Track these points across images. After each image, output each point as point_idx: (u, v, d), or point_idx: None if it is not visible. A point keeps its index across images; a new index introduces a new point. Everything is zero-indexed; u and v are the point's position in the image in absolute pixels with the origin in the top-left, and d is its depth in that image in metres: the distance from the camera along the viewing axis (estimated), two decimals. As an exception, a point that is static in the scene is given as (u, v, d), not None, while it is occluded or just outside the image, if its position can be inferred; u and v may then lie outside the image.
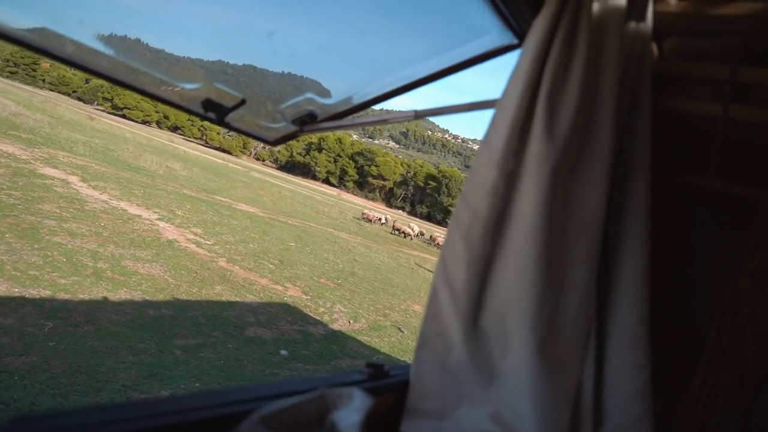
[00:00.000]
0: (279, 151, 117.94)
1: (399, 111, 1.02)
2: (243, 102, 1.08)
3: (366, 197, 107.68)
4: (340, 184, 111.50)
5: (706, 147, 1.16)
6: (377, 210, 56.56)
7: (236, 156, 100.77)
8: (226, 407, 0.70)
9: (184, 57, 1.02)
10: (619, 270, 1.04)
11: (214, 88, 1.08)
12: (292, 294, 9.40)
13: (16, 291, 5.54)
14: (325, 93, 1.11)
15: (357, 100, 1.13)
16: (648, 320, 1.04)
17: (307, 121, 1.21)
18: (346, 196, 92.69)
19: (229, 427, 0.68)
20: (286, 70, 1.07)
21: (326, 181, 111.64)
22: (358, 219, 36.35)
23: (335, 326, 8.42)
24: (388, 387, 1.01)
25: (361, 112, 1.17)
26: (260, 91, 1.14)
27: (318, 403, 0.77)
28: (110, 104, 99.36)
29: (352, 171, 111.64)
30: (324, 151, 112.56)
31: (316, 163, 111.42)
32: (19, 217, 8.21)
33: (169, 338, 5.70)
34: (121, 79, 0.97)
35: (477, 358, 0.99)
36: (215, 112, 1.09)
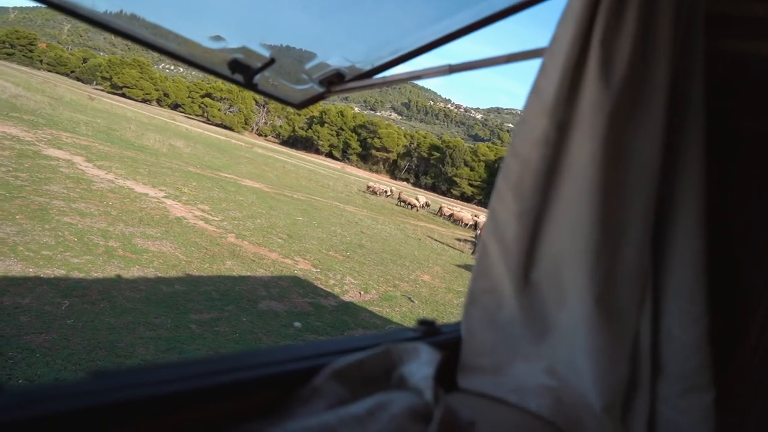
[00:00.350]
0: (281, 126, 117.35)
1: (432, 67, 0.96)
2: (272, 61, 1.03)
3: (370, 170, 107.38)
4: (344, 157, 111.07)
5: (764, 90, 1.11)
6: (382, 182, 56.44)
7: (238, 132, 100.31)
8: (298, 362, 0.70)
9: (208, 15, 0.99)
10: (676, 219, 1.01)
11: (240, 48, 1.04)
12: (302, 267, 9.45)
13: (31, 271, 5.59)
14: (352, 52, 1.07)
15: (387, 57, 1.08)
16: (705, 272, 1.02)
17: (335, 81, 1.16)
18: (350, 169, 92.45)
19: (302, 382, 0.68)
20: (315, 26, 1.03)
21: (329, 155, 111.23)
22: (363, 192, 36.30)
23: (346, 298, 8.48)
24: (441, 344, 0.98)
25: (391, 69, 1.13)
26: (287, 51, 1.10)
27: (384, 357, 0.77)
28: (109, 83, 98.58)
29: (355, 144, 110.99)
30: (326, 124, 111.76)
31: (318, 137, 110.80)
32: (28, 198, 8.23)
33: (184, 313, 5.76)
34: (145, 39, 0.93)
35: (529, 313, 0.97)
36: (243, 73, 1.05)
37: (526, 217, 0.94)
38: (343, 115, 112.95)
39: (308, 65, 1.14)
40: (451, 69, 0.93)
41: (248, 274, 8.09)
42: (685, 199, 1.00)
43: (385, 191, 37.87)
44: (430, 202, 37.13)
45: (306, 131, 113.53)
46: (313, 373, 0.69)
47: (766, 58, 1.11)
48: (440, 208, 36.33)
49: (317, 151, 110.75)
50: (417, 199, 35.07)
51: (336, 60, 1.10)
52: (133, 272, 6.54)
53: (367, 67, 1.14)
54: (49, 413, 0.45)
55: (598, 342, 0.91)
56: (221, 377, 0.60)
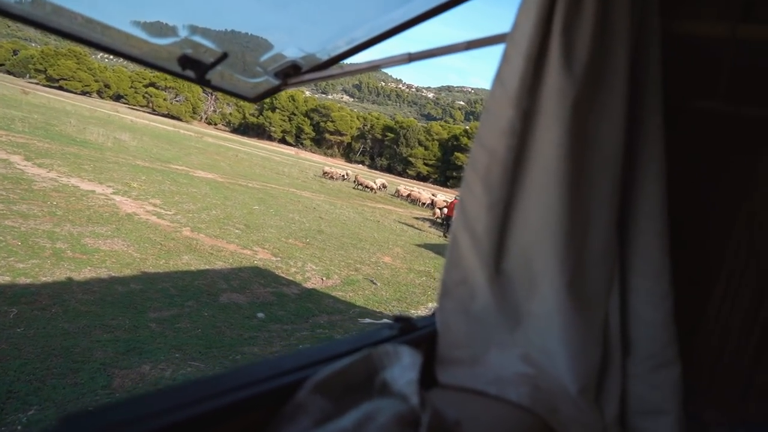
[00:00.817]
0: (231, 114, 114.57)
1: (392, 56, 0.94)
2: (225, 56, 0.97)
3: (324, 154, 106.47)
4: (297, 142, 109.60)
5: (715, 70, 1.14)
6: (338, 166, 56.05)
7: (186, 122, 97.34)
8: (279, 378, 0.69)
9: (153, 7, 0.93)
10: (638, 202, 1.03)
11: (190, 42, 0.99)
12: (261, 257, 9.32)
13: (-27, 280, 5.30)
14: (309, 42, 1.03)
15: (344, 46, 1.04)
16: (668, 252, 1.04)
17: (291, 73, 1.12)
18: (304, 154, 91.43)
19: (285, 399, 0.66)
20: (268, 16, 0.99)
21: (282, 141, 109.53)
22: (320, 177, 36.02)
23: (308, 285, 8.44)
24: (418, 339, 1.00)
25: (349, 59, 1.10)
26: (239, 45, 1.05)
27: (365, 363, 0.75)
28: (44, 76, 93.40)
29: (308, 128, 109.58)
30: (277, 110, 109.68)
31: (270, 124, 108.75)
32: (-37, 202, 7.76)
33: (142, 312, 5.60)
34: (89, 39, 0.87)
35: (502, 303, 0.98)
36: (194, 69, 1.00)
37: (497, 208, 0.95)
38: (294, 100, 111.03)
39: (263, 57, 1.09)
40: (411, 57, 0.91)
41: (207, 267, 7.92)
42: (647, 181, 1.02)
43: (342, 175, 37.69)
44: (387, 183, 37.17)
45: (257, 118, 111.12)
46: (295, 388, 0.68)
47: (715, 39, 1.14)
48: (397, 189, 36.45)
49: (270, 138, 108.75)
50: (374, 182, 35.08)
51: (291, 51, 1.06)
52: (85, 273, 6.29)
53: (324, 58, 1.10)
54: None
55: (571, 327, 0.92)
56: (197, 407, 0.57)
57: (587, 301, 0.95)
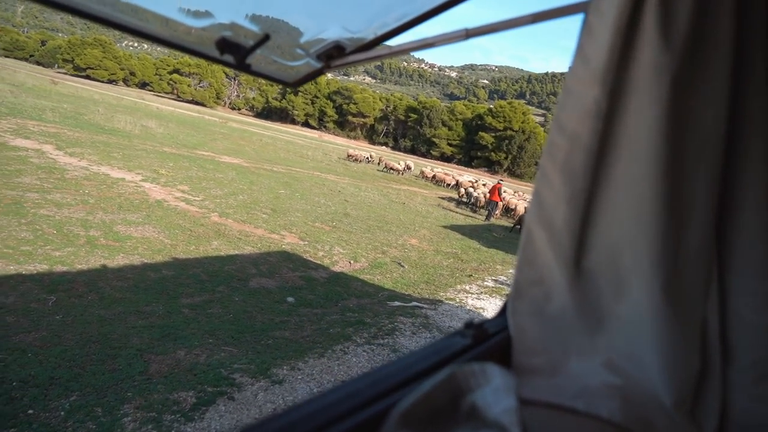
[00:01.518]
0: (254, 98, 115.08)
1: (446, 33, 0.85)
2: (267, 38, 0.91)
3: (348, 136, 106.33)
4: (320, 125, 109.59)
5: None
6: (361, 148, 55.94)
7: (210, 107, 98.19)
8: (359, 413, 0.63)
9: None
10: (741, 191, 0.91)
11: (228, 24, 0.93)
12: (289, 241, 9.37)
13: (12, 269, 5.43)
14: (354, 20, 0.96)
15: (392, 23, 0.95)
16: None
17: (334, 55, 1.04)
18: (328, 137, 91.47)
19: None
20: None
21: (306, 124, 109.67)
22: (344, 159, 36.01)
23: (336, 268, 8.46)
24: (494, 347, 0.93)
25: (397, 38, 1.02)
26: (279, 24, 0.98)
27: (449, 385, 0.69)
28: (71, 65, 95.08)
29: (330, 111, 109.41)
30: (300, 93, 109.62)
31: (293, 107, 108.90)
32: (1, 193, 7.95)
33: (175, 298, 5.68)
34: (119, 21, 0.82)
35: (582, 304, 0.89)
36: (233, 53, 0.93)
37: (578, 200, 0.85)
38: (316, 83, 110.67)
39: (304, 38, 1.02)
40: (468, 33, 0.82)
41: (236, 252, 7.99)
42: (751, 168, 0.89)
43: (366, 157, 37.62)
44: (411, 164, 36.95)
45: (280, 102, 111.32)
46: (379, 421, 0.62)
47: None
48: (421, 170, 36.24)
49: (293, 122, 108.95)
50: (398, 163, 34.97)
51: (335, 31, 0.98)
52: (118, 260, 6.41)
53: (371, 37, 1.02)
54: None
55: (665, 332, 0.84)
56: None
57: (683, 304, 0.86)
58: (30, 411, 3.34)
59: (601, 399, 0.85)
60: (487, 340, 0.93)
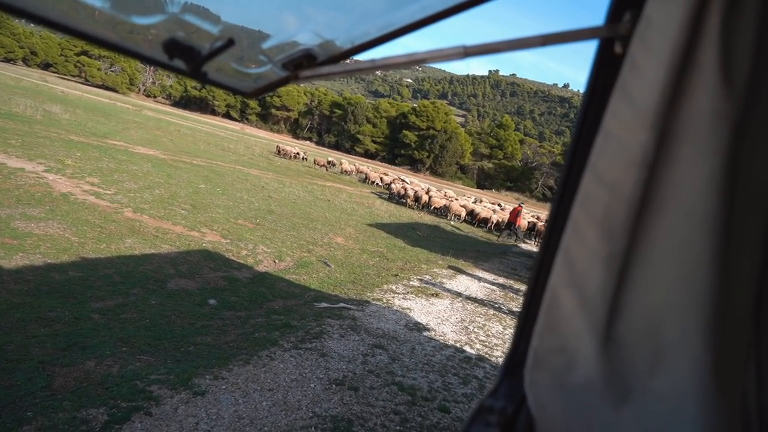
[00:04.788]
0: (171, 86, 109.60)
1: (441, 48, 0.75)
2: (231, 43, 0.76)
3: (271, 130, 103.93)
4: (242, 117, 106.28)
5: None
6: (285, 142, 54.83)
7: (123, 93, 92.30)
8: None
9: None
10: None
11: (181, 23, 0.76)
12: (210, 239, 8.94)
13: None
14: (331, 25, 0.82)
15: (374, 32, 0.84)
16: None
17: (304, 64, 0.89)
18: (250, 129, 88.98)
19: None
20: None
21: (227, 116, 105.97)
22: (268, 154, 35.15)
23: (260, 268, 8.18)
24: (521, 430, 0.85)
25: (379, 49, 0.91)
26: (240, 26, 0.83)
27: None
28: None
29: (253, 103, 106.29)
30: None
31: (213, 97, 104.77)
32: None
33: (83, 302, 5.21)
34: (57, 21, 0.65)
35: (610, 376, 0.80)
36: (185, 58, 0.78)
37: (617, 261, 0.76)
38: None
39: (268, 43, 0.88)
40: (467, 52, 0.72)
41: (152, 251, 7.50)
42: None
43: (297, 153, 37.02)
44: (335, 161, 36.73)
45: (200, 91, 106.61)
46: None
47: None
48: (340, 165, 36.19)
49: (213, 112, 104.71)
50: (327, 160, 35.10)
51: (306, 37, 0.84)
52: (17, 260, 5.79)
53: (347, 46, 0.89)
54: None
55: (709, 410, 0.75)
56: None
57: (728, 378, 0.77)
58: None
59: None
60: (513, 428, 0.84)
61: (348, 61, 0.90)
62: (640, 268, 0.77)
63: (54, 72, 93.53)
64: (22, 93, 28.19)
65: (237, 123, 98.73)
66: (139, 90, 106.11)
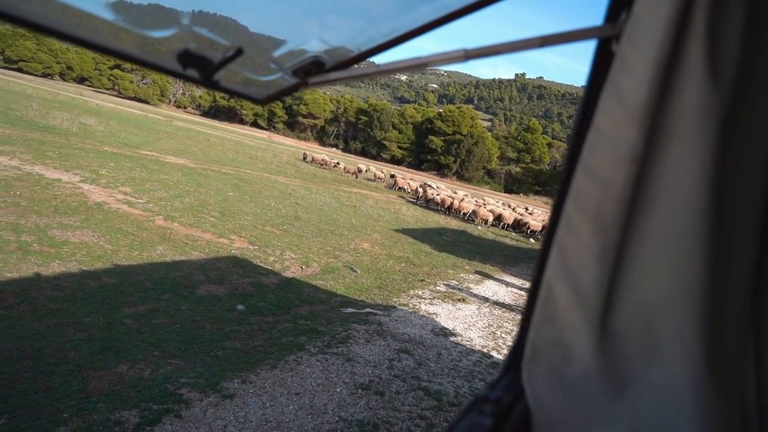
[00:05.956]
0: (201, 97, 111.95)
1: (443, 52, 0.78)
2: (240, 52, 0.82)
3: (298, 137, 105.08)
4: (270, 126, 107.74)
5: None
6: (312, 150, 55.35)
7: (155, 105, 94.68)
8: None
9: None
10: None
11: (193, 35, 0.82)
12: (239, 246, 9.09)
13: (-68, 277, 4.98)
14: (338, 32, 0.86)
15: (380, 38, 0.87)
16: None
17: (312, 71, 0.93)
18: (277, 137, 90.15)
19: None
20: (282, 3, 0.81)
21: (254, 124, 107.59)
22: (294, 161, 35.55)
23: (288, 274, 8.28)
24: (515, 424, 0.86)
25: (385, 54, 0.94)
26: (251, 36, 0.88)
27: None
28: (1, 57, 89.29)
29: (280, 112, 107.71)
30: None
31: (242, 107, 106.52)
32: None
33: (117, 308, 5.36)
34: (66, 32, 0.70)
35: (606, 368, 0.82)
36: (197, 67, 0.83)
37: (609, 255, 0.78)
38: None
39: (278, 52, 0.92)
40: (468, 55, 0.74)
41: (182, 258, 7.67)
42: None
43: (338, 163, 37.11)
44: (363, 168, 36.86)
45: (228, 101, 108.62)
46: None
47: None
48: (369, 171, 36.29)
49: (241, 121, 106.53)
50: (358, 167, 35.32)
51: (314, 44, 0.88)
52: (54, 268, 6.00)
53: (354, 53, 0.93)
54: None
55: (705, 403, 0.76)
56: None
57: (724, 372, 0.79)
58: (-49, 438, 3.04)
59: None
60: (508, 417, 0.86)
61: (354, 66, 0.93)
62: (632, 263, 0.78)
63: (89, 85, 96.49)
64: (59, 106, 29.20)
65: (264, 131, 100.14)
66: (170, 101, 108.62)
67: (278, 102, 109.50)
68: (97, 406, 3.60)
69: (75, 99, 43.98)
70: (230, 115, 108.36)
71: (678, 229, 0.74)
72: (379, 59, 0.96)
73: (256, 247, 9.35)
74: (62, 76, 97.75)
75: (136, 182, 12.40)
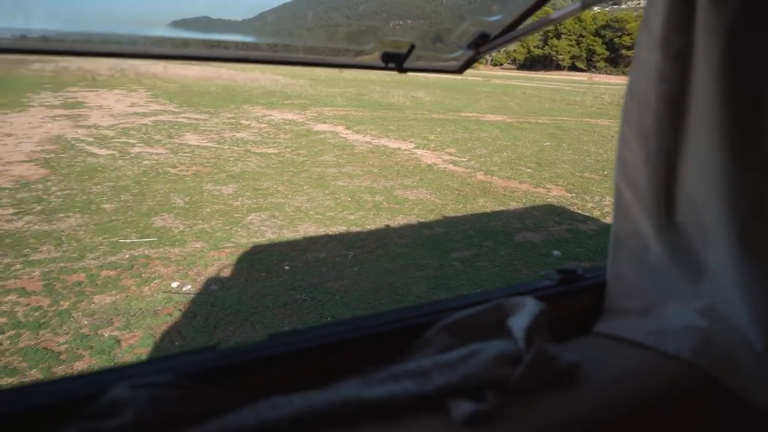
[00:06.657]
0: (515, 50, 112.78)
1: (563, 9, 0.99)
2: (412, 48, 1.14)
3: (623, 73, 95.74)
4: (589, 66, 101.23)
5: None
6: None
7: (473, 68, 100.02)
8: (415, 319, 0.84)
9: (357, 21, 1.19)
10: None
11: (386, 42, 1.16)
12: (555, 194, 9.20)
13: (322, 231, 6.76)
14: (492, 9, 1.11)
15: (522, 6, 1.09)
16: None
17: (481, 42, 1.21)
18: (599, 77, 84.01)
19: (418, 335, 0.82)
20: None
21: (572, 68, 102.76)
22: (619, 101, 32.75)
23: (607, 220, 7.98)
24: (581, 290, 1.03)
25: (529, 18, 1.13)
26: (429, 27, 1.21)
27: (497, 311, 0.85)
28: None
29: (600, 49, 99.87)
30: (563, 36, 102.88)
31: (557, 52, 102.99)
32: (310, 170, 9.84)
33: (446, 252, 6.24)
34: (314, 61, 1.16)
35: (678, 254, 0.93)
36: (394, 61, 1.17)
37: (655, 159, 0.91)
38: (580, 20, 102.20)
39: (456, 33, 1.24)
40: (584, 4, 0.90)
41: (501, 208, 8.26)
42: None
43: None
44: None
45: (542, 49, 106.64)
46: (427, 327, 0.82)
47: None
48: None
49: (558, 67, 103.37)
50: None
51: (477, 23, 1.19)
52: (398, 221, 7.32)
53: (508, 21, 1.15)
54: (234, 363, 0.68)
55: (748, 280, 0.84)
56: (359, 332, 0.78)
57: (764, 252, 0.84)
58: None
59: (673, 338, 0.90)
60: (576, 283, 1.02)
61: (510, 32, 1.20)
62: (675, 165, 0.91)
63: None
64: (394, 85, 34.02)
65: (584, 73, 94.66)
66: (486, 61, 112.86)
67: (597, 38, 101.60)
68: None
69: (396, 75, 50.24)
70: (545, 64, 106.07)
71: (704, 134, 0.85)
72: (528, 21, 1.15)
73: (574, 194, 9.27)
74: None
75: (459, 143, 13.68)
